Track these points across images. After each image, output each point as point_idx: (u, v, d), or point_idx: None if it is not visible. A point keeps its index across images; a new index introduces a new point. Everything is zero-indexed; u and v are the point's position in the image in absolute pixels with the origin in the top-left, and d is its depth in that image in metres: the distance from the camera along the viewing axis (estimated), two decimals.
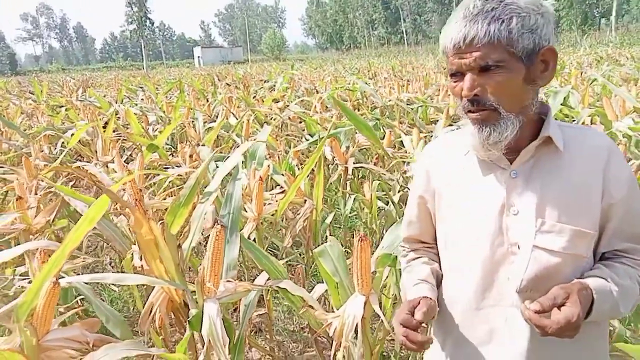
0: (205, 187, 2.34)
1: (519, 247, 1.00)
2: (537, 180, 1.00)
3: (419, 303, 1.03)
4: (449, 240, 1.13)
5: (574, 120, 4.44)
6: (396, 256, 1.70)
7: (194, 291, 1.70)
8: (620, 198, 0.99)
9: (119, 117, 6.43)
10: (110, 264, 3.81)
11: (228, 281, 1.61)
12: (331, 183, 3.99)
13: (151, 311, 1.81)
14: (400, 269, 1.82)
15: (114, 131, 5.05)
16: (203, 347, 1.58)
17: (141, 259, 2.17)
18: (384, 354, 2.44)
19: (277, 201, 2.70)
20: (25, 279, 2.06)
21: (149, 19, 44.93)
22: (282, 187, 3.07)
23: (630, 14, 43.72)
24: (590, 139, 1.02)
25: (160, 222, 1.83)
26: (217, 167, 3.20)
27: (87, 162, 4.24)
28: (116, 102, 7.84)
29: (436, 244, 1.20)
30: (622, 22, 41.49)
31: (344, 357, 1.62)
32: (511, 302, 1.01)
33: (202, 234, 2.22)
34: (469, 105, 0.98)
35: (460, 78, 0.98)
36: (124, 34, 57.65)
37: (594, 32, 38.10)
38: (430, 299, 1.08)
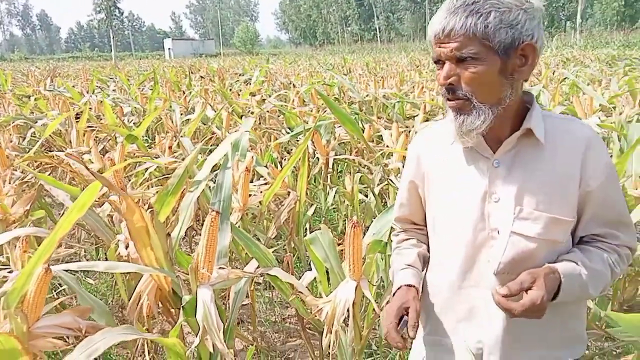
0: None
1: (498, 232, 1.07)
2: (518, 170, 1.06)
3: (409, 308, 1.11)
4: (436, 224, 1.20)
5: None
6: (386, 243, 1.76)
7: (184, 280, 1.71)
8: (597, 186, 1.04)
9: (90, 108, 6.27)
10: (85, 257, 3.74)
11: (221, 268, 1.63)
12: (311, 176, 4.02)
13: (139, 300, 1.81)
14: (388, 255, 1.88)
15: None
16: (195, 334, 1.59)
17: (127, 248, 2.15)
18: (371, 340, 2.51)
19: (261, 192, 2.72)
20: (5, 268, 2.01)
21: (118, 8, 43.71)
22: (264, 179, 3.08)
23: (594, 18, 45.33)
24: (572, 130, 1.07)
25: (150, 210, 1.83)
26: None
27: (60, 152, 4.14)
28: (87, 93, 7.62)
29: (426, 226, 1.26)
30: (586, 25, 42.98)
31: (333, 342, 1.67)
32: (489, 284, 1.08)
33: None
34: (446, 93, 1.05)
35: (442, 66, 1.03)
36: (92, 24, 55.87)
37: (559, 34, 39.38)
38: (414, 287, 1.17)
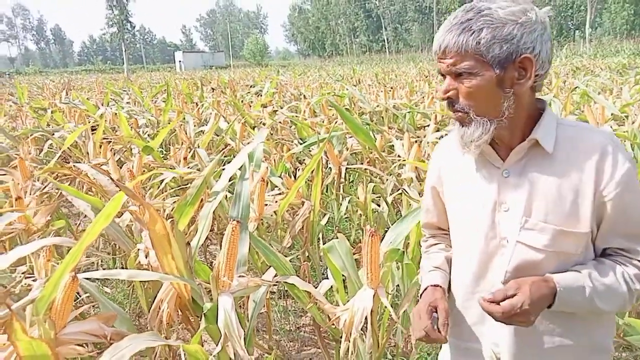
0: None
1: (507, 241, 1.09)
2: (528, 180, 1.07)
3: (437, 307, 1.13)
4: (453, 230, 1.23)
5: None
6: (403, 251, 1.78)
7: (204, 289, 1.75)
8: (613, 196, 1.01)
9: (105, 120, 6.39)
10: (102, 266, 3.79)
11: (240, 276, 1.66)
12: (324, 186, 4.05)
13: (159, 308, 1.85)
14: (405, 264, 1.91)
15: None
16: (216, 341, 1.62)
17: (147, 257, 2.19)
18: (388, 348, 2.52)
19: (276, 202, 2.76)
20: (30, 276, 2.06)
21: (130, 22, 44.37)
22: (279, 189, 3.12)
23: (603, 27, 45.18)
24: (587, 138, 1.05)
25: (170, 220, 1.87)
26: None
27: (77, 163, 4.22)
28: (102, 105, 7.77)
29: None
30: (595, 34, 42.83)
31: (350, 350, 1.68)
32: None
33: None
34: (447, 106, 1.09)
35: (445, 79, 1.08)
36: (104, 37, 56.86)
37: (569, 43, 39.26)
38: (440, 287, 1.20)
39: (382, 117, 6.08)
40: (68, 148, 4.73)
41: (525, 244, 1.07)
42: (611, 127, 4.24)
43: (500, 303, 1.00)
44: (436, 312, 1.12)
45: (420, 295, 1.21)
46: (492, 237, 1.11)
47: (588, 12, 39.22)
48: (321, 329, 2.04)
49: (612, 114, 4.62)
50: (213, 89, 11.93)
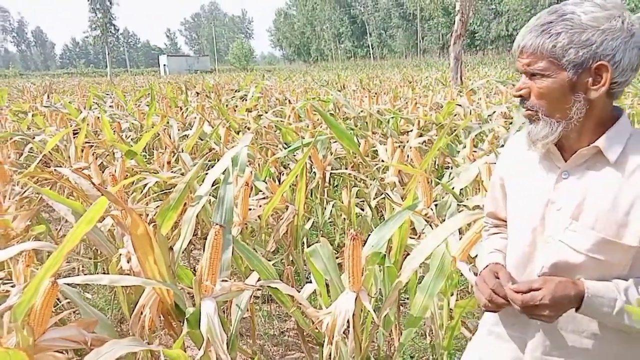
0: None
1: (552, 239, 1.12)
2: (585, 184, 1.08)
3: (498, 273, 1.17)
4: (509, 219, 1.27)
5: None
6: (384, 255, 1.80)
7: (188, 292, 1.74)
8: None
9: (87, 124, 6.31)
10: (83, 272, 3.74)
11: (224, 280, 1.66)
12: (308, 190, 4.07)
13: (141, 313, 1.84)
14: (387, 267, 1.93)
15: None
16: (198, 346, 1.62)
17: (128, 262, 2.18)
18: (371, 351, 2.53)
19: (260, 206, 2.76)
20: (7, 282, 2.03)
21: (114, 25, 43.93)
22: (263, 193, 3.13)
23: None
24: None
25: (152, 224, 1.87)
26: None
27: (58, 167, 4.16)
28: (84, 109, 7.67)
29: None
30: None
31: (333, 353, 1.69)
32: None
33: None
34: (520, 103, 1.14)
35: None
36: (87, 40, 56.13)
37: None
38: (500, 264, 1.24)
39: (366, 122, 6.12)
40: (49, 152, 4.66)
41: (567, 244, 1.09)
42: None
43: (523, 294, 1.05)
44: (497, 277, 1.16)
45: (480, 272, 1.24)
46: (540, 233, 1.14)
47: None
48: (305, 333, 2.05)
49: None
50: (198, 93, 11.87)
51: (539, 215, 1.14)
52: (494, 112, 5.92)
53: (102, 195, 1.62)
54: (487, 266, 1.24)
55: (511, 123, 4.86)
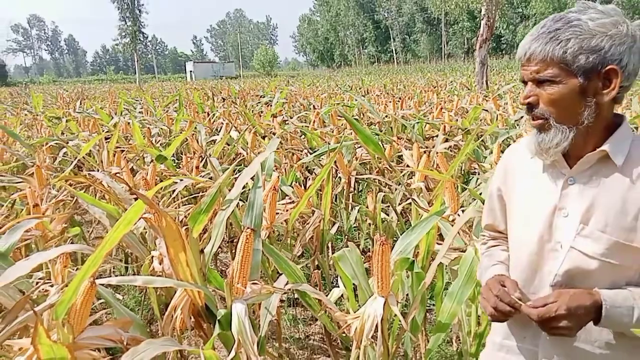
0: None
1: (561, 246, 1.10)
2: (592, 190, 1.08)
3: (504, 282, 1.15)
4: (511, 231, 1.26)
5: None
6: (413, 260, 1.80)
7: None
8: None
9: (118, 129, 6.50)
10: (113, 273, 3.85)
11: (253, 283, 1.69)
12: (333, 195, 4.09)
13: (174, 314, 1.88)
14: (415, 273, 1.92)
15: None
16: (228, 348, 1.65)
17: (160, 264, 2.24)
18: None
19: (287, 211, 2.79)
20: (46, 282, 2.11)
21: (143, 33, 45.00)
22: (290, 197, 3.16)
23: None
24: None
25: (185, 227, 1.92)
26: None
27: (91, 171, 4.30)
28: (115, 115, 7.89)
29: None
30: None
31: (361, 357, 1.70)
32: (545, 294, 1.12)
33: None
34: (526, 111, 1.12)
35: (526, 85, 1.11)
36: (117, 48, 57.71)
37: None
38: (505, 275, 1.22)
39: (391, 128, 6.11)
40: (82, 156, 4.83)
41: (578, 250, 1.08)
42: None
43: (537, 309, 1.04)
44: (504, 286, 1.14)
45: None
46: (547, 241, 1.13)
47: None
48: (331, 337, 2.06)
49: None
50: (224, 99, 12.06)
51: (546, 222, 1.12)
52: (522, 117, 5.83)
53: (137, 198, 1.67)
54: (492, 277, 1.21)
55: None
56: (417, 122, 5.88)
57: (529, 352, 1.19)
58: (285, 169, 3.87)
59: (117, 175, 3.32)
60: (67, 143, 5.24)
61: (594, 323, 1.05)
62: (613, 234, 1.05)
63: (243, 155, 4.65)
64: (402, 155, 4.35)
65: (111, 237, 1.52)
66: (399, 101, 8.32)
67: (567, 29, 1.02)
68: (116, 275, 3.82)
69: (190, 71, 62.37)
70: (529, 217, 1.17)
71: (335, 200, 4.31)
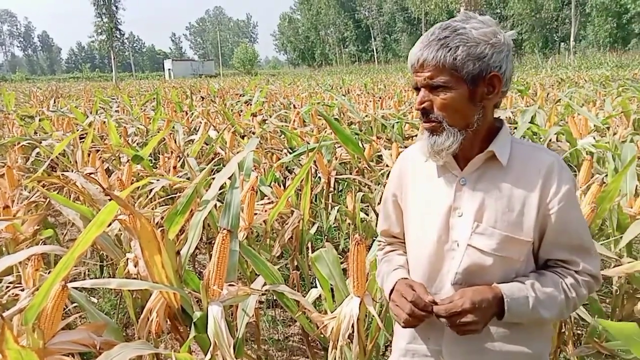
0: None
1: (458, 245, 1.16)
2: (482, 188, 1.15)
3: (414, 284, 1.18)
4: (409, 234, 1.30)
5: (541, 138, 4.71)
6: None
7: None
8: (556, 210, 1.11)
9: (94, 129, 6.37)
10: (88, 276, 3.77)
11: (230, 284, 1.68)
12: (313, 195, 4.08)
13: (148, 317, 1.86)
14: None
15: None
16: (204, 351, 1.63)
17: (136, 266, 2.20)
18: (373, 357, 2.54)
19: (265, 211, 2.78)
20: (17, 286, 2.06)
21: (119, 30, 44.25)
22: (268, 198, 3.15)
23: (587, 40, 46.13)
24: (537, 157, 1.16)
25: (160, 229, 1.89)
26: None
27: (65, 172, 4.21)
28: (91, 113, 7.73)
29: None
30: (579, 46, 43.72)
31: (338, 357, 1.71)
32: (447, 293, 1.17)
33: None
34: (420, 116, 1.16)
35: (419, 92, 1.15)
36: (92, 45, 56.56)
37: (554, 55, 39.99)
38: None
39: (371, 127, 6.14)
40: (55, 156, 4.71)
41: (475, 247, 1.14)
42: (594, 137, 4.34)
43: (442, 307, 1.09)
44: (414, 290, 1.16)
45: (391, 292, 1.23)
46: (445, 241, 1.18)
47: (572, 25, 40.05)
48: (310, 338, 2.06)
49: (594, 126, 4.73)
50: (203, 97, 11.94)
51: (443, 223, 1.17)
52: (499, 116, 5.92)
53: (111, 199, 1.64)
54: (397, 282, 1.24)
55: (515, 128, 4.88)
56: (397, 122, 5.92)
57: (433, 352, 1.22)
58: (264, 169, 3.85)
59: (91, 175, 3.25)
60: (40, 143, 5.12)
61: (498, 317, 1.11)
62: (502, 229, 1.12)
63: (221, 155, 4.61)
64: (381, 155, 4.38)
65: (83, 239, 1.48)
66: (379, 101, 8.37)
67: (455, 36, 1.07)
68: (91, 278, 3.74)
69: (169, 69, 61.58)
70: (426, 219, 1.21)
71: (315, 200, 4.31)
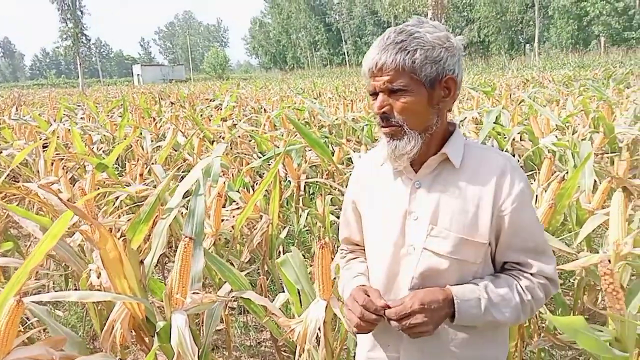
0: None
1: (414, 249, 1.16)
2: (436, 191, 1.15)
3: (369, 290, 1.18)
4: (367, 239, 1.30)
5: (505, 137, 4.83)
6: None
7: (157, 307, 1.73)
8: (510, 212, 1.11)
9: (57, 137, 6.19)
10: (54, 288, 3.66)
11: (194, 293, 1.66)
12: (283, 199, 4.07)
13: (112, 329, 1.81)
14: None
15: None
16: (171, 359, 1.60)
17: (99, 277, 2.15)
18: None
19: (233, 217, 2.76)
20: None
21: (85, 35, 43.12)
22: (236, 203, 3.12)
23: (550, 41, 47.60)
24: (491, 158, 1.16)
25: (122, 238, 1.85)
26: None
27: (27, 182, 4.07)
28: (55, 121, 7.52)
29: None
30: (543, 47, 45.05)
31: None
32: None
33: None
34: (380, 121, 1.14)
35: (376, 97, 1.14)
36: (57, 50, 55.04)
37: (519, 56, 41.11)
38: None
39: (341, 130, 6.18)
40: (17, 166, 4.56)
41: (430, 250, 1.14)
42: (556, 136, 4.48)
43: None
44: (367, 295, 1.16)
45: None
46: (401, 245, 1.17)
47: (536, 27, 41.27)
48: (278, 343, 2.05)
49: (556, 125, 4.89)
50: (172, 103, 11.77)
51: (399, 227, 1.17)
52: (465, 117, 6.06)
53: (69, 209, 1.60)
54: (354, 289, 1.23)
55: (481, 129, 4.99)
56: (366, 125, 5.98)
57: (393, 358, 1.22)
58: (232, 175, 3.82)
59: (54, 185, 3.16)
60: (1, 152, 4.94)
61: (451, 320, 1.11)
62: (458, 231, 1.12)
63: (190, 161, 4.55)
64: (351, 158, 4.41)
65: (37, 251, 1.45)
66: (349, 104, 8.43)
67: (411, 40, 1.07)
68: (56, 290, 3.63)
69: (138, 75, 60.38)
70: (383, 224, 1.21)
71: (287, 204, 4.31)
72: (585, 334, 1.11)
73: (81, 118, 8.65)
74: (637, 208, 2.58)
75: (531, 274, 1.16)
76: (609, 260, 1.90)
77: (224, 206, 3.05)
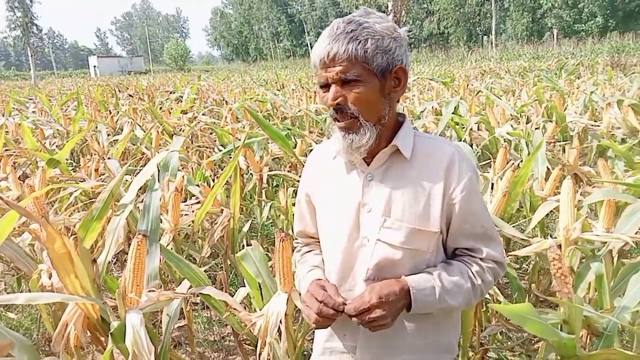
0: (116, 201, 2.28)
1: (368, 241, 1.17)
2: (388, 183, 1.16)
3: (326, 285, 1.18)
4: (321, 232, 1.30)
5: (463, 127, 4.94)
6: None
7: (113, 306, 1.68)
8: (459, 200, 1.14)
9: (7, 132, 5.89)
10: (5, 290, 3.50)
11: (150, 291, 1.61)
12: (246, 192, 4.03)
13: (65, 331, 1.75)
14: None
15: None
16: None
17: (50, 278, 2.06)
18: (305, 353, 2.55)
19: (193, 212, 2.70)
20: None
21: (36, 25, 41.05)
22: (197, 197, 3.06)
23: (507, 33, 48.94)
24: (437, 148, 1.18)
25: (73, 236, 1.78)
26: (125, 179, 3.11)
27: None
28: (3, 115, 7.14)
29: None
30: (500, 39, 46.32)
31: (268, 356, 1.69)
32: (360, 289, 1.17)
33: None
34: (334, 114, 1.12)
35: (328, 89, 1.11)
36: (6, 41, 52.25)
37: (477, 48, 42.13)
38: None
39: (304, 122, 6.15)
40: None
41: (384, 241, 1.15)
42: (511, 125, 4.62)
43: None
44: (325, 290, 1.16)
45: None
46: (355, 238, 1.18)
47: (493, 19, 42.35)
48: (239, 337, 2.03)
49: (510, 115, 5.04)
50: (131, 95, 11.40)
51: (353, 220, 1.18)
52: (425, 108, 6.15)
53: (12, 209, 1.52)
54: (311, 283, 1.23)
55: (440, 119, 5.08)
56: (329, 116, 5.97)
57: (349, 348, 1.24)
58: (192, 168, 3.74)
59: (1, 182, 3.00)
60: None
61: (407, 310, 1.12)
62: (410, 222, 1.14)
63: (148, 155, 4.42)
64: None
65: None
66: (312, 95, 8.40)
67: (362, 30, 1.06)
68: (8, 292, 3.47)
69: (94, 66, 58.14)
70: (337, 216, 1.22)
71: (250, 198, 4.26)
72: (532, 319, 1.15)
73: (33, 112, 8.25)
74: (586, 194, 2.69)
75: (480, 259, 1.19)
76: (559, 246, 1.98)
77: (184, 201, 2.99)
